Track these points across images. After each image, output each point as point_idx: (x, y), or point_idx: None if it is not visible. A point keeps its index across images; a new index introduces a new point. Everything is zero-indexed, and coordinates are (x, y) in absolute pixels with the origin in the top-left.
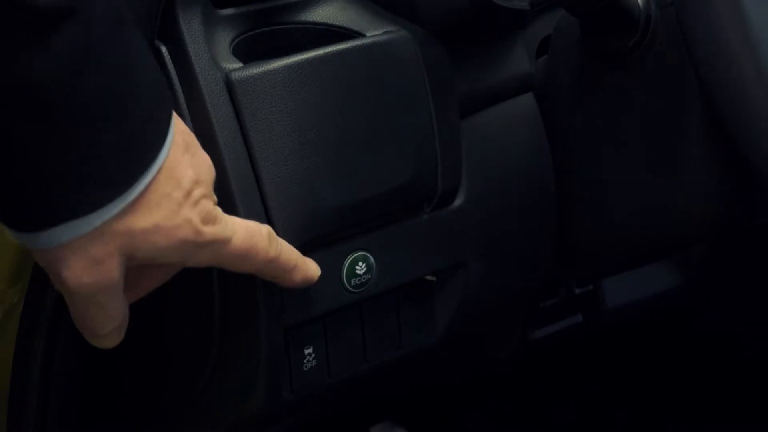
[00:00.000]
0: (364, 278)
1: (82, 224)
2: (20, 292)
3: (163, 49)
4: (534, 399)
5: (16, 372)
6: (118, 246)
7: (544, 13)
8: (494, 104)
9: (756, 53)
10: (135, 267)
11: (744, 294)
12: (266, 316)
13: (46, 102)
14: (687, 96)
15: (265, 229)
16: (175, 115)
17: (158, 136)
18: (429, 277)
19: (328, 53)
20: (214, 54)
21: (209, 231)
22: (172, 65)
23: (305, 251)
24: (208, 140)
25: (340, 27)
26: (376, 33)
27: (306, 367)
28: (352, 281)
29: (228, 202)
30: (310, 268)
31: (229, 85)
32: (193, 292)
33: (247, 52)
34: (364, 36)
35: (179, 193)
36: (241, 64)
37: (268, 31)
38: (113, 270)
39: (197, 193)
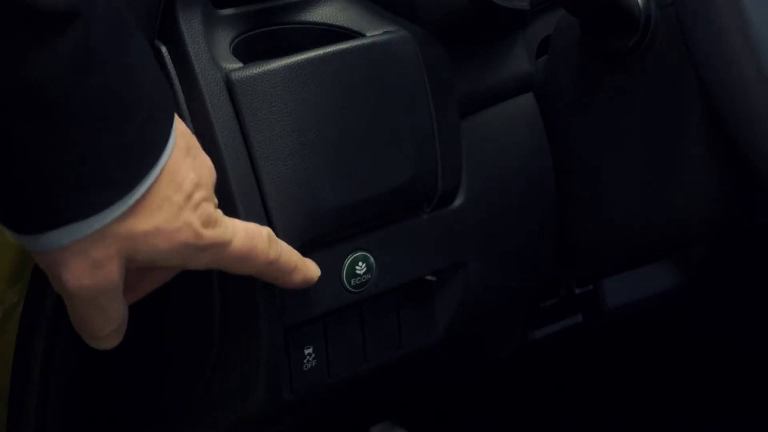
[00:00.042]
0: (364, 278)
1: (83, 227)
2: (20, 292)
3: (163, 49)
4: (534, 399)
5: (16, 372)
6: (118, 249)
7: (544, 13)
8: (494, 104)
9: (756, 53)
10: (134, 269)
11: (744, 294)
12: (266, 316)
13: (47, 102)
14: (687, 96)
15: (265, 231)
16: (176, 117)
17: (160, 138)
18: (429, 277)
19: (328, 53)
20: (214, 54)
21: (209, 234)
22: (172, 65)
23: (305, 251)
24: (208, 140)
25: (340, 27)
26: (376, 33)
27: (306, 367)
28: (352, 281)
29: (228, 202)
30: (310, 269)
31: (229, 85)
32: (193, 293)
33: (247, 52)
34: (364, 36)
35: (180, 197)
36: (241, 64)
37: (268, 31)
38: (113, 273)
39: (198, 196)
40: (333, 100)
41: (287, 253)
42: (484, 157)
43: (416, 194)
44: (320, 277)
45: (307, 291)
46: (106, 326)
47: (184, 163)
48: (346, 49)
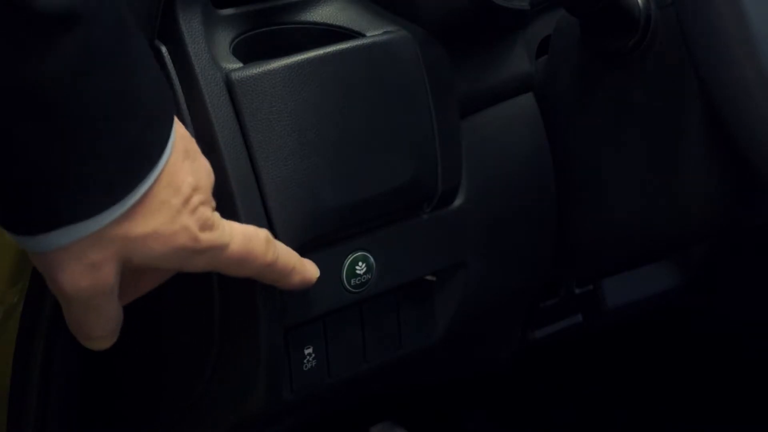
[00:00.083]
0: (364, 278)
1: (81, 228)
2: (20, 292)
3: (163, 49)
4: (534, 399)
5: (16, 372)
6: (115, 251)
7: (544, 13)
8: (494, 104)
9: (756, 53)
10: (130, 270)
11: (744, 294)
12: (266, 316)
13: (47, 102)
14: (687, 96)
15: (263, 233)
16: (176, 119)
17: (159, 140)
18: (429, 277)
19: (328, 53)
20: (214, 54)
21: (206, 238)
22: (172, 65)
23: (305, 251)
24: (208, 140)
25: (340, 27)
26: (376, 33)
27: (306, 367)
28: (352, 281)
29: (228, 202)
30: (309, 270)
31: (229, 85)
32: (193, 293)
33: (247, 52)
34: (364, 36)
35: (178, 200)
36: (241, 64)
37: (268, 31)
38: (110, 275)
39: (196, 199)
40: (333, 100)
41: (285, 255)
42: (484, 157)
43: (416, 194)
44: (320, 277)
45: (307, 291)
46: (102, 327)
47: (183, 166)
48: (346, 49)
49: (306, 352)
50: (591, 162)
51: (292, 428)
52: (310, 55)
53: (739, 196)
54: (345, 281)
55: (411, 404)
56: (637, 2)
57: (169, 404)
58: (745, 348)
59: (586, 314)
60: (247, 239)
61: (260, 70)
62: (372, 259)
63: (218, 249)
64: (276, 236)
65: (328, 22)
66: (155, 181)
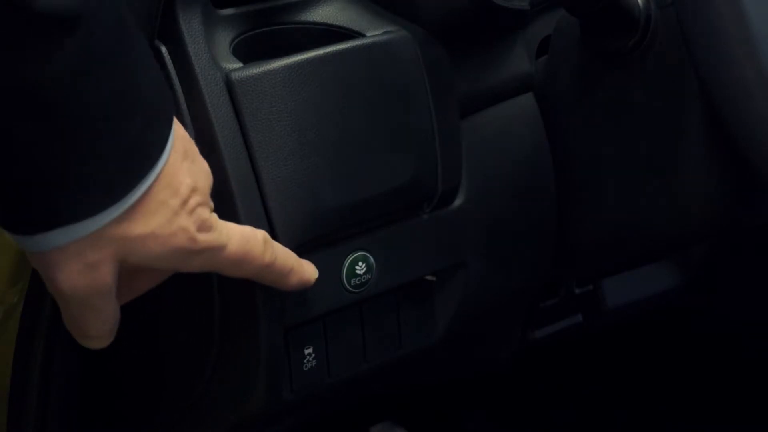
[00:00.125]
0: (364, 278)
1: (79, 228)
2: (20, 292)
3: (163, 49)
4: (534, 399)
5: (16, 372)
6: (113, 251)
7: (544, 13)
8: (494, 104)
9: (756, 53)
10: (127, 270)
11: (744, 294)
12: (266, 316)
13: (47, 102)
14: (687, 96)
15: (261, 234)
16: (175, 120)
17: (159, 141)
18: (429, 277)
19: (328, 53)
20: (214, 54)
21: (204, 239)
22: (172, 65)
23: (305, 251)
24: (208, 140)
25: (340, 27)
26: (376, 33)
27: (306, 367)
28: (352, 281)
29: (228, 202)
30: (307, 271)
31: (229, 85)
32: (193, 293)
33: (247, 52)
34: (364, 36)
35: (176, 201)
36: (241, 64)
37: (268, 31)
38: (107, 275)
39: (194, 201)
40: (333, 100)
41: (283, 256)
42: (484, 157)
43: (416, 194)
44: (320, 277)
45: (307, 291)
46: (99, 326)
47: (182, 167)
48: (346, 49)
49: (306, 352)
50: (591, 162)
51: (292, 428)
52: (310, 55)
53: (739, 196)
54: (345, 281)
55: (411, 404)
56: (637, 2)
57: (169, 404)
58: (745, 348)
59: (586, 314)
60: (244, 240)
61: (260, 70)
62: (372, 259)
63: (216, 250)
64: (276, 236)
65: (328, 22)
66: (154, 181)
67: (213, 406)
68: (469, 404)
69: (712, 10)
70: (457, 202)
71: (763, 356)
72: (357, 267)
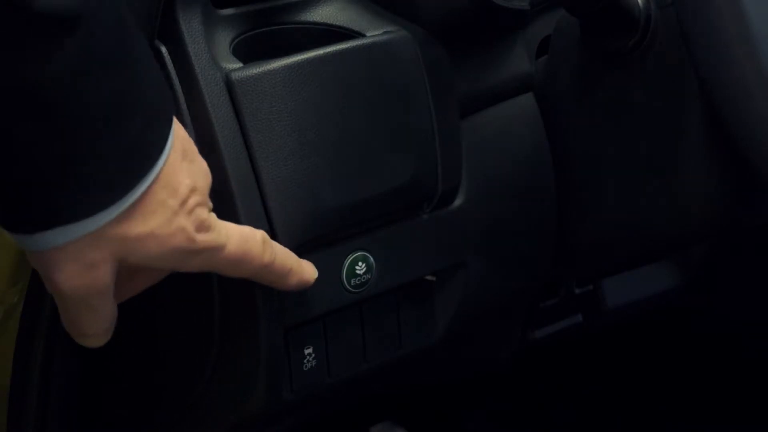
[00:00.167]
0: (364, 278)
1: (79, 228)
2: (20, 292)
3: (163, 49)
4: (534, 399)
5: (16, 372)
6: (112, 251)
7: (544, 13)
8: (494, 104)
9: (756, 53)
10: (126, 269)
11: (744, 294)
12: (266, 316)
13: (47, 102)
14: (687, 96)
15: (260, 234)
16: (175, 120)
17: (159, 141)
18: (429, 277)
19: (328, 53)
20: (214, 54)
21: (203, 239)
22: (172, 65)
23: (305, 251)
24: (208, 140)
25: (340, 27)
26: (376, 33)
27: (306, 367)
28: (352, 281)
29: (228, 202)
30: (306, 272)
31: (229, 85)
32: (193, 293)
33: (247, 52)
34: (364, 36)
35: (175, 201)
36: (241, 64)
37: (268, 31)
38: (106, 274)
39: (193, 201)
40: (333, 100)
41: (282, 256)
42: (484, 157)
43: (416, 194)
44: (320, 277)
45: (306, 291)
46: (97, 325)
47: (181, 167)
48: (346, 49)
49: (306, 352)
50: (591, 162)
51: (292, 428)
52: (310, 55)
53: (739, 196)
54: (345, 281)
55: (411, 404)
56: (637, 2)
57: (169, 404)
58: (745, 348)
59: (586, 314)
60: (243, 240)
61: (260, 70)
62: (372, 259)
63: (214, 250)
64: (275, 236)
65: (328, 22)
66: (154, 181)
67: (213, 406)
68: (469, 404)
69: (712, 9)
70: (457, 202)
71: (763, 356)
72: (357, 267)
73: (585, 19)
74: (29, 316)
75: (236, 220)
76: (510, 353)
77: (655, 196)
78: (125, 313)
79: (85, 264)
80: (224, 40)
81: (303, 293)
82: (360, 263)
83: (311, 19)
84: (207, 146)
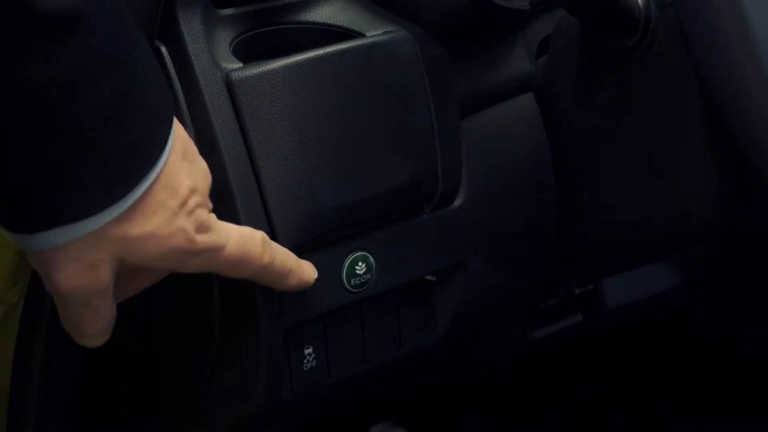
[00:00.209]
0: (364, 278)
1: (79, 228)
2: (20, 292)
3: (163, 49)
4: (534, 399)
5: (16, 372)
6: (111, 251)
7: (544, 13)
8: (494, 104)
9: (756, 53)
10: (126, 269)
11: (744, 294)
12: (266, 316)
13: (47, 103)
14: (687, 96)
15: (259, 235)
16: (175, 120)
17: (159, 141)
18: (429, 277)
19: (328, 53)
20: (214, 54)
21: (202, 240)
22: (172, 65)
23: (305, 251)
24: (208, 140)
25: (340, 27)
26: (376, 33)
27: (306, 367)
28: (352, 281)
29: (228, 202)
30: (306, 272)
31: (229, 85)
32: (193, 293)
33: (247, 52)
34: (364, 36)
35: (175, 202)
36: (241, 64)
37: (268, 31)
38: (105, 275)
39: (192, 201)
40: (333, 100)
41: (282, 257)
42: (484, 157)
43: (416, 194)
44: (320, 277)
45: (306, 291)
46: (96, 325)
47: (181, 168)
48: (346, 49)
49: (306, 352)
50: (591, 162)
51: (292, 428)
52: (310, 55)
53: (739, 196)
54: (345, 281)
55: (411, 404)
56: (637, 2)
57: (169, 404)
58: (745, 348)
59: (586, 314)
60: (243, 241)
61: (260, 70)
62: (372, 259)
63: (214, 251)
64: (275, 236)
65: (328, 22)
66: (154, 182)
67: (213, 406)
68: (469, 404)
69: (712, 9)
70: (457, 202)
71: (763, 356)
72: (357, 267)
73: (585, 19)
74: (29, 316)
75: (236, 221)
76: (510, 353)
77: (655, 196)
78: (125, 313)
79: (85, 264)
80: (224, 40)
81: (303, 293)
82: (360, 263)
83: (311, 19)
84: (207, 146)
